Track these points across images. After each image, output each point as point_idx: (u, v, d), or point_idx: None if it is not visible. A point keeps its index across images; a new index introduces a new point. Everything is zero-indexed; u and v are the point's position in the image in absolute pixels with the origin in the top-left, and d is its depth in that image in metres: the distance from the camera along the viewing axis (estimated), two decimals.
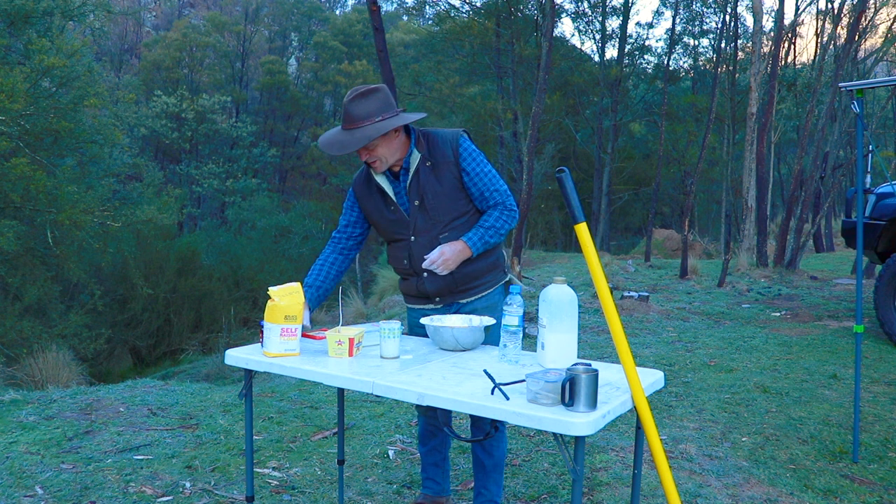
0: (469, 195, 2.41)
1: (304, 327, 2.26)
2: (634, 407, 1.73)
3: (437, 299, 2.46)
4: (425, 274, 2.41)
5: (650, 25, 46.64)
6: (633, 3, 27.41)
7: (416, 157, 2.37)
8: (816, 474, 3.18)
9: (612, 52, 27.53)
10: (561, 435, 1.55)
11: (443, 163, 2.37)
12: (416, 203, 2.38)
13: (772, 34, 15.78)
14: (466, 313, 2.41)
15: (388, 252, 2.56)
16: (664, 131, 17.87)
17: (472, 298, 2.46)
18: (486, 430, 2.51)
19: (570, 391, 1.56)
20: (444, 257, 2.29)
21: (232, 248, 25.57)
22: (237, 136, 35.59)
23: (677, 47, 25.44)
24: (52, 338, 10.38)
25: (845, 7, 14.71)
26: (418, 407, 2.66)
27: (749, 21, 18.77)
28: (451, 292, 2.44)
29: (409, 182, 2.38)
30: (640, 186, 26.33)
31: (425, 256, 2.33)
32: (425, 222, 2.39)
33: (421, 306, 2.51)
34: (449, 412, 2.53)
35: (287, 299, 2.15)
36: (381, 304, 12.80)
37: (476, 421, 2.55)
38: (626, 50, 25.80)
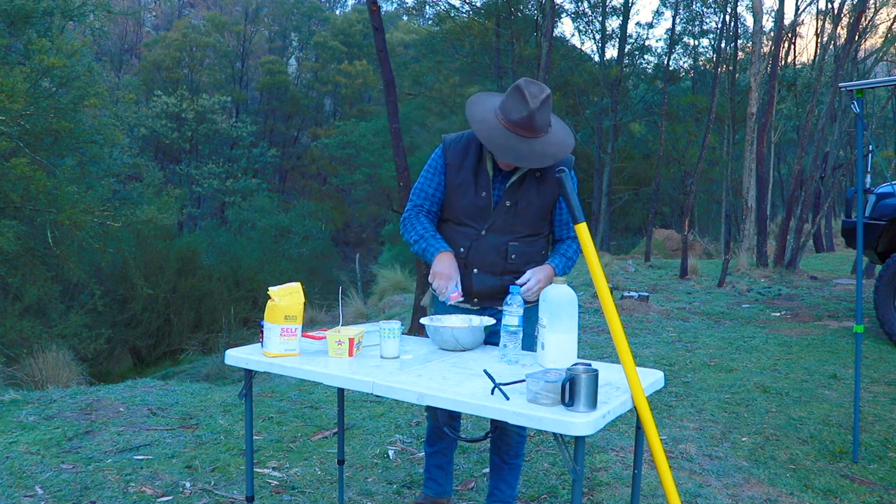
0: (553, 219, 2.41)
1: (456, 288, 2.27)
2: (634, 407, 1.74)
3: (476, 300, 2.41)
4: (475, 270, 2.36)
5: (650, 25, 46.50)
6: (633, 3, 27.38)
7: None
8: (816, 474, 3.18)
9: (612, 52, 27.49)
10: (561, 435, 1.55)
11: (550, 180, 2.34)
12: (508, 203, 2.33)
13: (772, 34, 15.78)
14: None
15: (443, 231, 2.43)
16: (664, 131, 17.86)
17: None
18: (488, 431, 2.51)
19: (570, 391, 1.56)
20: (539, 286, 2.25)
21: (232, 248, 25.54)
22: (237, 136, 35.61)
23: (677, 47, 25.40)
24: (52, 338, 10.37)
25: (845, 7, 14.71)
26: (428, 408, 2.65)
27: (749, 21, 18.77)
28: (491, 296, 2.39)
29: (511, 182, 2.33)
30: (640, 186, 26.30)
31: (517, 282, 2.23)
32: (505, 224, 2.34)
33: (456, 304, 2.44)
34: (455, 413, 2.53)
35: (287, 299, 2.15)
36: (381, 304, 12.82)
37: (494, 423, 2.54)
38: (626, 50, 25.76)
